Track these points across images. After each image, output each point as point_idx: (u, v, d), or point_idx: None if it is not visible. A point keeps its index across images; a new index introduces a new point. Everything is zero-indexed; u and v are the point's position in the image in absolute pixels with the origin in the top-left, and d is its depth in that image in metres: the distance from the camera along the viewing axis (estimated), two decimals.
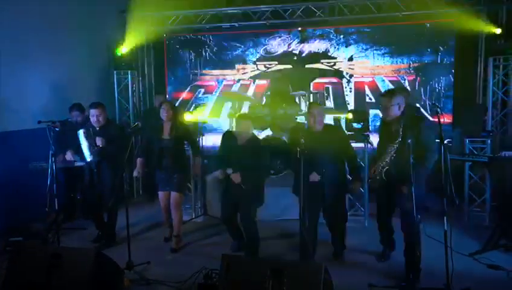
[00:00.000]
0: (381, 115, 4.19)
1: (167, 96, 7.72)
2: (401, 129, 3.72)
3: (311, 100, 6.45)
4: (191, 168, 5.27)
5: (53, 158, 4.29)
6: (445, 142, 6.15)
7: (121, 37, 7.10)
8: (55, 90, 6.06)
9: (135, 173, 4.95)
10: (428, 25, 6.78)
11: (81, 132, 4.68)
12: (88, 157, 4.69)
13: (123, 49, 7.08)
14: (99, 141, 4.70)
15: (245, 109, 6.80)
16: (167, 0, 7.26)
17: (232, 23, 7.24)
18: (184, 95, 7.81)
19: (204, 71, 7.76)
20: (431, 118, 6.66)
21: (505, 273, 3.89)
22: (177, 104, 7.47)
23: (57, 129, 4.44)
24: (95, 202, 4.92)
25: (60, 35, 6.23)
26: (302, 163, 3.59)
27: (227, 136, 4.66)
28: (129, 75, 7.27)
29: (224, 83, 7.70)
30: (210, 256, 4.37)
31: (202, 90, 7.80)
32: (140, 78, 7.72)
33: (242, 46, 7.59)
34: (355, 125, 5.48)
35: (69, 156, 4.87)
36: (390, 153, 3.77)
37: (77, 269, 3.30)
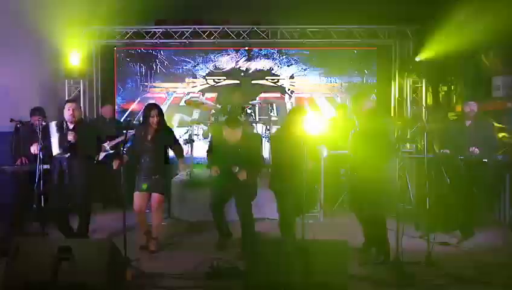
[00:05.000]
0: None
1: (116, 107, 7.79)
2: None
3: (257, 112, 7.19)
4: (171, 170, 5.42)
5: (41, 154, 4.33)
6: None
7: (73, 47, 7.08)
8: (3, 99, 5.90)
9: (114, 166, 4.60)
10: (356, 51, 8.02)
11: (53, 124, 4.65)
12: (55, 150, 4.61)
13: (74, 59, 7.07)
14: (70, 136, 4.58)
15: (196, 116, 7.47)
16: (119, 15, 7.43)
17: (183, 40, 7.67)
18: (133, 106, 7.95)
19: (154, 84, 8.02)
20: None
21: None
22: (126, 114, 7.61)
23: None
24: (62, 204, 4.77)
25: (9, 44, 6.11)
26: None
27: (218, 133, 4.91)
28: (81, 85, 7.23)
29: (174, 95, 8.05)
30: (195, 254, 4.41)
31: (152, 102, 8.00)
32: (87, 89, 7.67)
33: (192, 62, 8.05)
34: None
35: (33, 148, 4.64)
36: None
37: (92, 260, 3.34)
